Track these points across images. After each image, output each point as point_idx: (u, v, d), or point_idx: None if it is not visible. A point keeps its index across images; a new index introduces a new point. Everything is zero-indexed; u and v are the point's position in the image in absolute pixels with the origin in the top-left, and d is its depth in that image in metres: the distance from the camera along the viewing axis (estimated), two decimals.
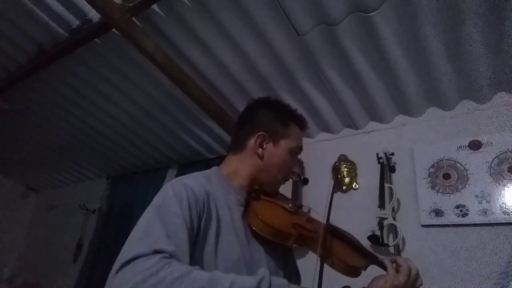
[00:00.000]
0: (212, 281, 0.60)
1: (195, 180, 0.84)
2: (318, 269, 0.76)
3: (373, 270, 0.91)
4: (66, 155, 3.57)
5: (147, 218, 0.72)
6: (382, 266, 0.91)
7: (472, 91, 1.76)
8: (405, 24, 1.52)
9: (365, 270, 0.91)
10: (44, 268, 3.85)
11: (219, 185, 0.90)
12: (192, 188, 0.79)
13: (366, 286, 0.88)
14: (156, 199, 0.77)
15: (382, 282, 0.82)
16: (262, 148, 0.95)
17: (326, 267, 0.84)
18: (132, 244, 0.67)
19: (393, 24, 1.53)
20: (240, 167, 0.96)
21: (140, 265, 0.61)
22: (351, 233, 1.00)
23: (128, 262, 0.61)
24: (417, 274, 0.86)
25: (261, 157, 0.95)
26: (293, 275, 1.04)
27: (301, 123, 1.02)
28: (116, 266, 0.62)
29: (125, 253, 0.64)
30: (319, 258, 0.79)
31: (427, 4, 1.42)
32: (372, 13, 1.48)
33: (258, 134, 0.95)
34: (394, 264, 0.86)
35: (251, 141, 0.96)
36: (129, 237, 0.69)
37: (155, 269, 0.59)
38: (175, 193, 0.76)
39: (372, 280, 0.88)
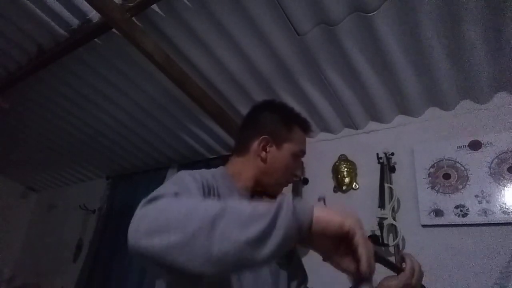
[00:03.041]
0: (233, 202, 0.58)
1: (202, 175, 0.85)
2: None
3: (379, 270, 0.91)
4: (66, 155, 3.57)
5: (163, 186, 0.73)
6: (389, 266, 0.91)
7: (472, 91, 1.76)
8: (405, 24, 1.52)
9: None
10: (44, 268, 3.85)
11: (223, 185, 0.90)
12: (205, 177, 0.81)
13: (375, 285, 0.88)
14: (169, 181, 0.79)
15: (395, 283, 0.84)
16: (266, 152, 0.96)
17: (330, 267, 0.84)
18: (154, 192, 0.68)
19: (393, 24, 1.53)
20: (243, 169, 0.96)
21: (163, 200, 0.62)
22: None
23: (152, 199, 0.63)
24: (419, 269, 0.88)
25: (264, 160, 0.95)
26: (299, 273, 1.03)
27: (305, 127, 1.03)
28: (141, 204, 0.64)
29: (149, 197, 0.65)
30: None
31: (427, 4, 1.42)
32: (372, 13, 1.48)
33: (262, 137, 0.96)
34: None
35: (255, 144, 0.96)
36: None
37: (178, 200, 0.63)
38: (189, 173, 0.79)
39: (382, 280, 0.88)
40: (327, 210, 0.57)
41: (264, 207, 0.55)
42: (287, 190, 1.96)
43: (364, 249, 0.55)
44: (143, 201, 0.63)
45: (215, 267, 0.51)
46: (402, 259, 0.90)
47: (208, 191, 0.79)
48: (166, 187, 0.71)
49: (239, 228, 0.52)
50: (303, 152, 1.01)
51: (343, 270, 0.60)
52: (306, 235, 0.55)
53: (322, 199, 0.92)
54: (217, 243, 0.51)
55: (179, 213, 0.56)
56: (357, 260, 0.56)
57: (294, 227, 0.53)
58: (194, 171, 0.83)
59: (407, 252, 1.72)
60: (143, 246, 0.54)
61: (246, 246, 0.51)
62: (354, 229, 0.55)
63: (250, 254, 0.51)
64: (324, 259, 0.63)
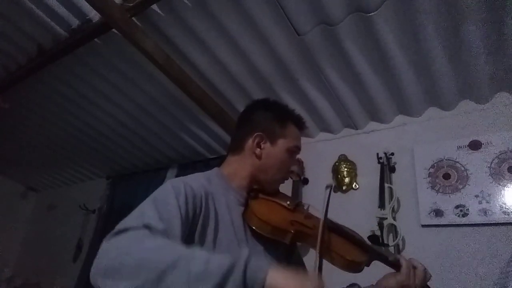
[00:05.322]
0: (190, 254, 0.59)
1: (195, 180, 0.85)
2: (317, 263, 0.77)
3: (380, 267, 0.91)
4: (66, 155, 3.57)
5: (142, 205, 0.75)
6: (387, 262, 0.91)
7: (472, 91, 1.76)
8: (405, 24, 1.52)
9: (367, 265, 0.90)
10: (44, 268, 3.85)
11: (219, 186, 0.91)
12: (191, 186, 0.81)
13: (374, 284, 0.88)
14: (154, 192, 0.79)
15: (393, 281, 0.85)
16: (260, 148, 0.96)
17: (329, 265, 0.85)
18: (126, 221, 0.69)
19: (393, 24, 1.53)
20: (239, 167, 0.97)
21: (128, 234, 0.64)
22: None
23: (119, 232, 0.65)
24: (424, 271, 0.89)
25: (259, 157, 0.95)
26: (299, 271, 1.03)
27: (299, 123, 1.03)
28: (108, 235, 0.65)
29: (118, 226, 0.67)
30: (318, 253, 0.79)
31: (427, 4, 1.42)
32: (372, 13, 1.48)
33: (256, 134, 0.96)
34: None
35: (249, 142, 0.97)
36: (124, 219, 0.72)
37: (141, 238, 0.63)
38: (173, 187, 0.78)
39: (380, 280, 0.88)
40: (282, 277, 0.57)
41: (217, 263, 0.56)
42: (287, 190, 1.96)
43: None
44: (112, 231, 0.66)
45: None
46: (397, 261, 0.90)
47: (194, 203, 0.78)
48: (143, 211, 0.72)
49: (185, 287, 0.54)
50: (298, 148, 1.01)
51: None
52: None
53: (329, 187, 0.93)
54: None
55: (134, 260, 0.59)
56: None
57: None
58: (182, 179, 0.83)
59: (408, 251, 1.73)
60: (98, 284, 0.61)
61: None
62: None
63: None
64: None
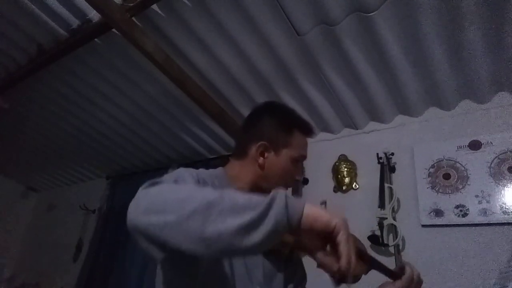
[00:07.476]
0: (230, 191, 0.61)
1: (202, 173, 0.87)
2: None
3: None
4: (66, 155, 3.57)
5: (163, 177, 0.76)
6: (385, 272, 0.90)
7: (472, 91, 1.76)
8: (405, 24, 1.52)
9: (365, 274, 0.90)
10: (44, 268, 3.85)
11: (221, 185, 0.90)
12: (202, 176, 0.83)
13: None
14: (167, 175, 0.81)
15: None
16: (263, 157, 0.94)
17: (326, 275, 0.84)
18: (156, 179, 0.71)
19: (393, 24, 1.53)
20: (241, 173, 0.96)
21: (164, 184, 0.68)
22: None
23: (153, 183, 0.67)
24: (418, 277, 0.88)
25: (261, 166, 0.94)
26: (298, 274, 1.02)
27: (306, 130, 1.00)
28: (142, 187, 0.68)
29: (149, 181, 0.69)
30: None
31: (427, 4, 1.42)
32: (372, 13, 1.48)
33: (260, 143, 0.94)
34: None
35: (253, 150, 0.95)
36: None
37: (178, 185, 0.67)
38: (187, 170, 0.81)
39: (380, 286, 0.88)
40: (317, 208, 0.60)
41: (258, 198, 0.58)
42: (287, 191, 1.96)
43: (345, 247, 0.57)
44: (144, 184, 0.68)
45: (206, 249, 0.55)
46: (402, 269, 0.89)
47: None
48: (165, 177, 0.74)
49: (233, 214, 0.55)
50: (303, 157, 0.98)
51: (325, 268, 0.61)
52: (295, 228, 0.58)
53: (324, 203, 0.93)
54: (211, 226, 0.55)
55: (177, 196, 0.60)
56: (338, 257, 0.57)
57: (284, 220, 0.56)
58: (192, 169, 0.84)
59: (408, 251, 1.73)
60: (141, 222, 0.60)
61: (237, 232, 0.54)
62: (339, 228, 0.58)
63: (241, 239, 0.54)
64: (309, 255, 0.65)
